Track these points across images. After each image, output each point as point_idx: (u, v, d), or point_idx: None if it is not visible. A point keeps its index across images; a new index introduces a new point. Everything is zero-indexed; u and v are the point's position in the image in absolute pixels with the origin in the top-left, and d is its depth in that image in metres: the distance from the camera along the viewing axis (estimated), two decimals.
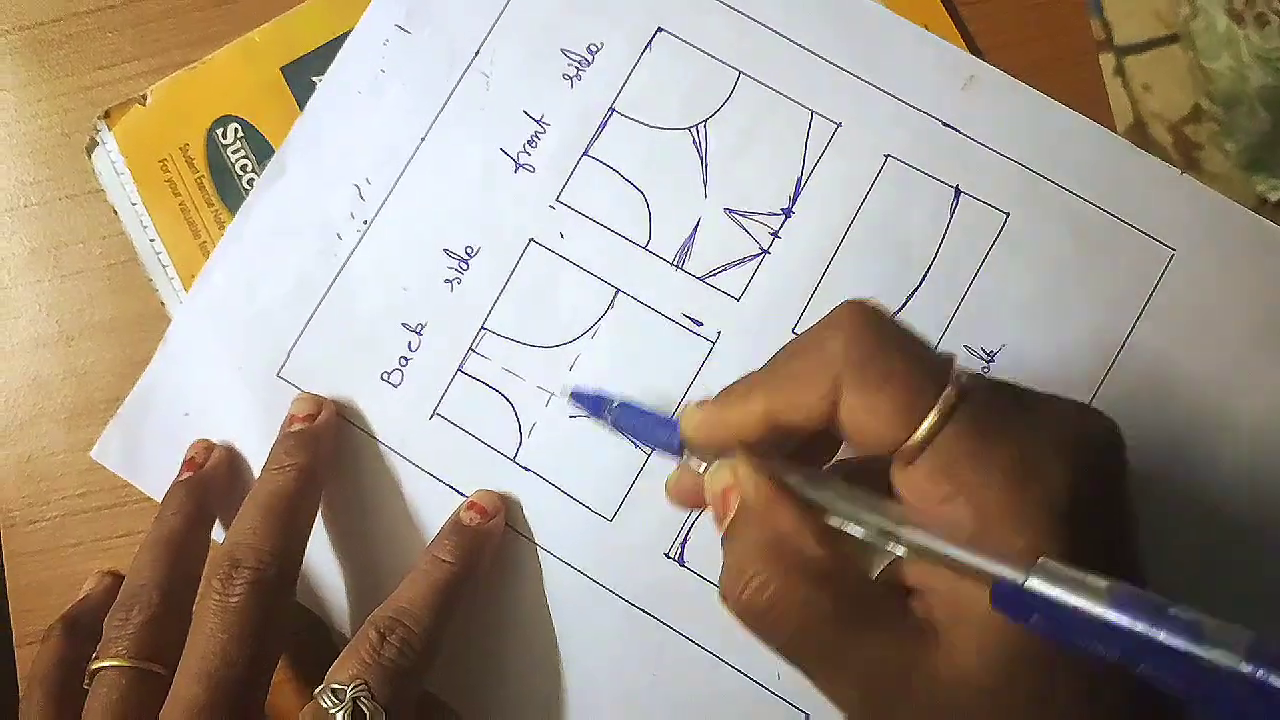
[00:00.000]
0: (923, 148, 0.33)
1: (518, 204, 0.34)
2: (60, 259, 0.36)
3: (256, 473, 0.32)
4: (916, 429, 0.21)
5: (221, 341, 0.34)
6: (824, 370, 0.22)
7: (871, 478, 0.22)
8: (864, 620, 0.21)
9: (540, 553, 0.32)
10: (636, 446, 0.32)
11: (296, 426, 0.32)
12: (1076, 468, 0.21)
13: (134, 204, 0.35)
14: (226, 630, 0.27)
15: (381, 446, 0.33)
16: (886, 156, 0.33)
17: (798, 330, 0.32)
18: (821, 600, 0.21)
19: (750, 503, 0.23)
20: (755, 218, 0.33)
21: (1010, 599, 0.19)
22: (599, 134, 0.34)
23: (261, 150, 0.35)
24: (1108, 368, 0.32)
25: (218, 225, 0.35)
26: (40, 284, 0.36)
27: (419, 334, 0.33)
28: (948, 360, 0.22)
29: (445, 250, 0.34)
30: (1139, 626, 0.17)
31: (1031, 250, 0.32)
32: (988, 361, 0.32)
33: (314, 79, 0.35)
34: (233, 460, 0.33)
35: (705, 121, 0.33)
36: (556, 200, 0.33)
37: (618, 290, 0.33)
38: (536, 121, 0.34)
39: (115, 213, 0.35)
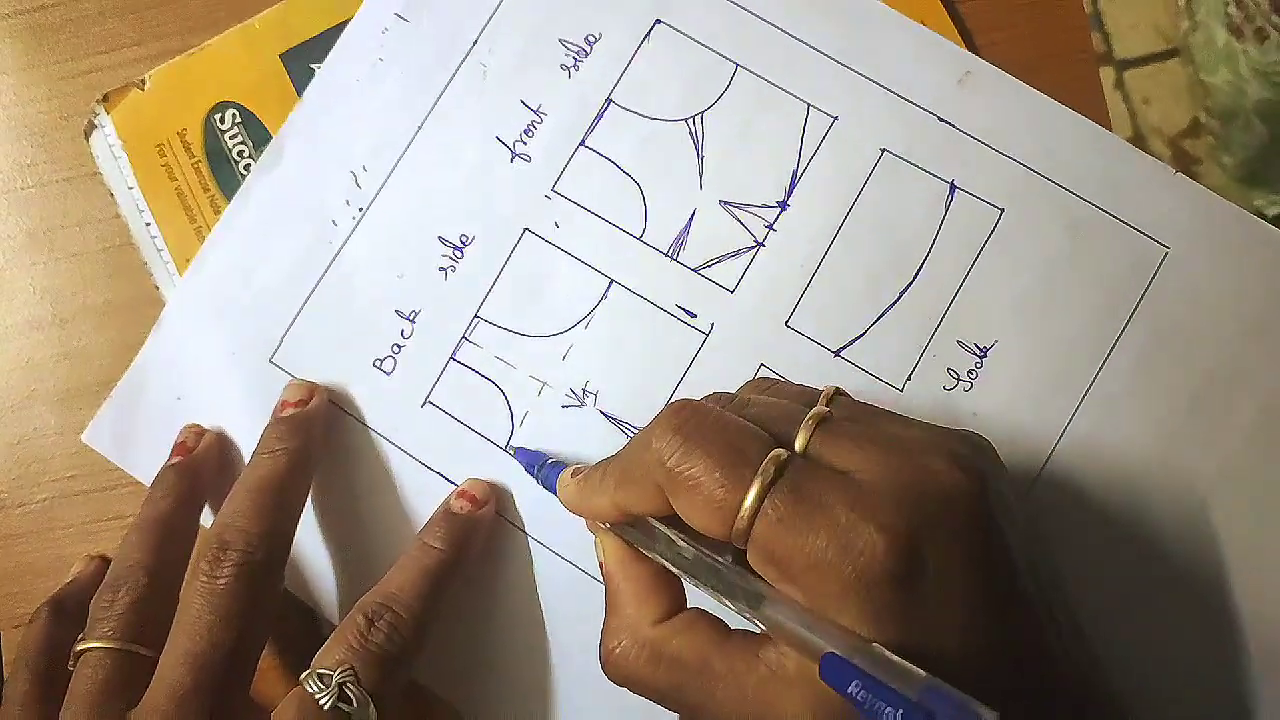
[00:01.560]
0: (918, 143, 0.33)
1: (513, 193, 0.34)
2: (56, 242, 0.36)
3: (247, 458, 0.32)
4: (735, 521, 0.22)
5: (215, 326, 0.34)
6: (649, 476, 0.23)
7: None
8: (712, 681, 0.23)
9: (530, 542, 0.32)
10: (627, 437, 0.32)
11: (288, 412, 0.32)
12: (899, 540, 0.21)
13: (131, 188, 0.35)
14: (213, 612, 0.27)
15: (373, 434, 0.33)
16: (882, 151, 0.33)
17: (791, 323, 0.32)
18: (665, 674, 0.24)
19: (609, 580, 0.26)
20: (750, 210, 0.33)
21: (834, 672, 0.20)
22: (596, 124, 0.34)
23: (259, 136, 0.35)
24: (1100, 364, 0.32)
25: (214, 210, 0.35)
26: (35, 266, 0.36)
27: (412, 321, 0.33)
28: (765, 442, 0.23)
29: (440, 238, 0.34)
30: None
31: (1025, 247, 0.32)
32: (980, 357, 0.32)
33: (312, 66, 0.35)
34: (223, 445, 0.33)
35: (702, 113, 0.33)
36: (552, 190, 0.34)
37: (612, 280, 0.33)
38: (533, 111, 0.34)
39: (112, 196, 0.35)
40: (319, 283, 0.34)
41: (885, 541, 0.21)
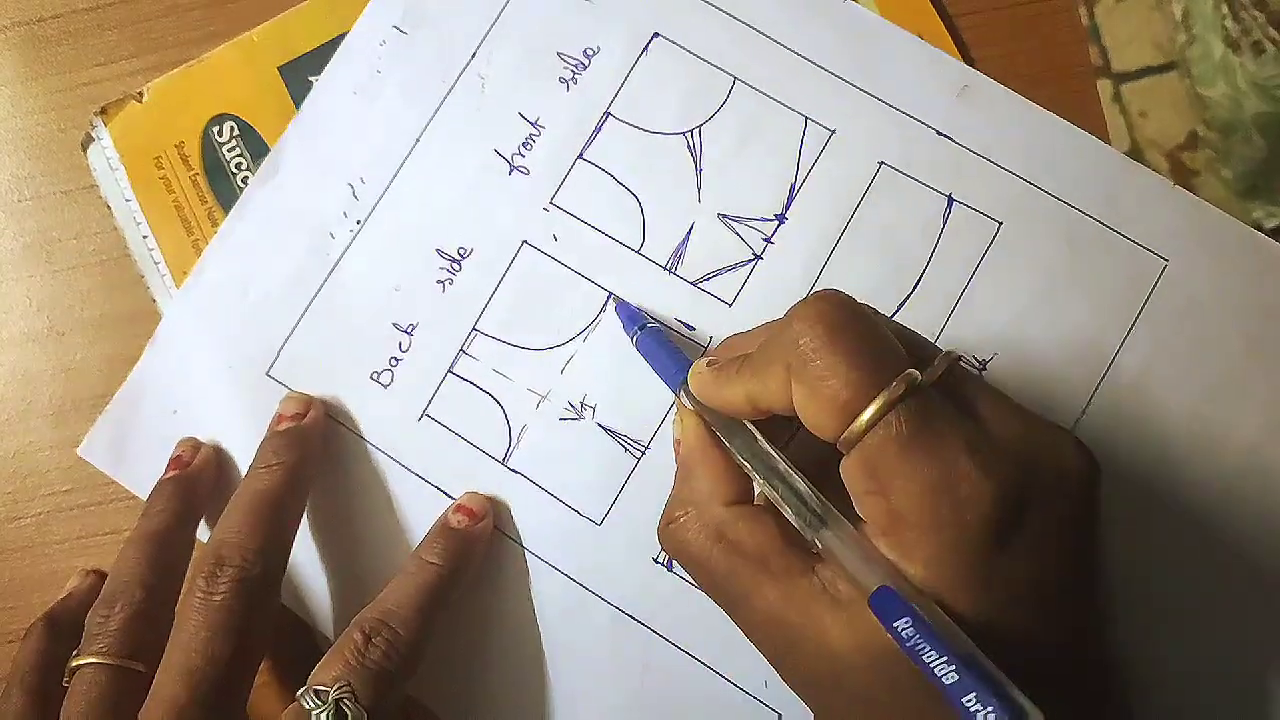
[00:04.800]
0: (916, 156, 0.33)
1: (511, 206, 0.34)
2: (53, 254, 0.36)
3: (244, 472, 0.32)
4: (851, 425, 0.21)
5: (212, 339, 0.34)
6: (781, 359, 0.23)
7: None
8: (763, 576, 0.23)
9: (528, 556, 0.32)
10: (626, 450, 0.32)
11: (284, 425, 0.32)
12: (1006, 496, 0.21)
13: (128, 200, 0.35)
14: (209, 628, 0.27)
15: (370, 447, 0.33)
16: (880, 164, 0.33)
17: None
18: (721, 556, 0.24)
19: (684, 457, 0.26)
20: (749, 223, 0.33)
21: (884, 605, 0.20)
22: (594, 137, 0.34)
23: (257, 149, 0.35)
24: (1100, 377, 0.31)
25: (211, 223, 0.35)
26: (32, 279, 0.36)
27: (410, 334, 0.33)
28: (903, 359, 0.22)
29: (438, 251, 0.33)
30: (971, 689, 0.19)
31: (1024, 259, 0.32)
32: (980, 369, 0.32)
33: (311, 79, 0.35)
34: (220, 459, 0.33)
35: (700, 126, 0.33)
36: (550, 203, 0.33)
37: (610, 293, 0.33)
38: (532, 124, 0.34)
39: (109, 209, 0.35)
40: (316, 295, 0.34)
41: (993, 490, 0.21)
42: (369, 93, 0.34)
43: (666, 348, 0.29)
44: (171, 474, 0.32)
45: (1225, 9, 0.32)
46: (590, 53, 0.34)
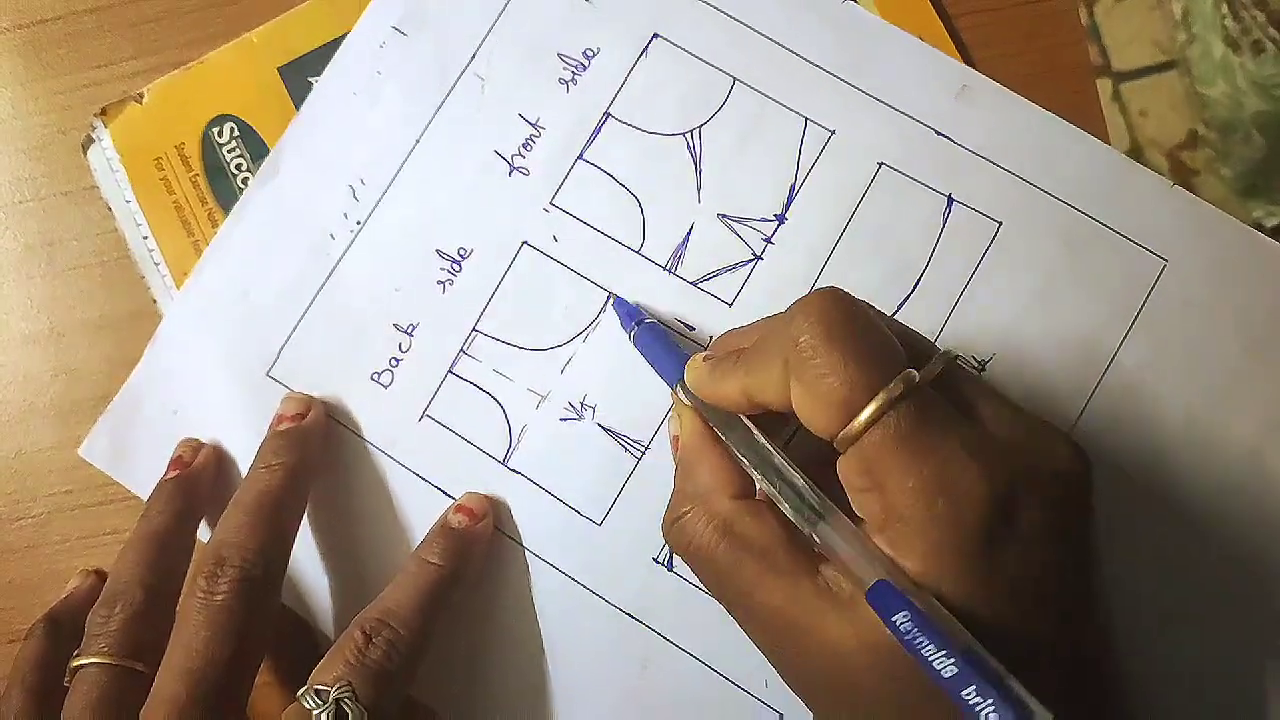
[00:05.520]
0: (916, 156, 0.33)
1: (512, 206, 0.34)
2: (53, 255, 0.36)
3: (244, 472, 0.32)
4: (849, 424, 0.22)
5: (212, 340, 0.34)
6: (780, 355, 0.23)
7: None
8: (768, 572, 0.23)
9: (528, 556, 0.32)
10: (626, 450, 0.32)
11: (284, 426, 0.32)
12: (999, 494, 0.21)
13: (128, 201, 0.35)
14: (210, 628, 0.27)
15: (370, 447, 0.33)
16: (880, 164, 0.33)
17: None
18: (727, 550, 0.24)
19: (684, 454, 0.26)
20: (748, 223, 0.33)
21: (883, 599, 0.20)
22: (594, 138, 0.34)
23: (257, 150, 0.35)
24: (1099, 377, 0.32)
25: (211, 224, 0.35)
26: (33, 280, 0.36)
27: (410, 335, 0.33)
28: (901, 358, 0.22)
29: (438, 251, 0.34)
30: (971, 682, 0.19)
31: (1023, 259, 0.32)
32: (979, 369, 0.32)
33: (310, 80, 0.35)
34: (220, 459, 0.33)
35: (700, 127, 0.33)
36: (550, 203, 0.34)
37: (610, 294, 0.33)
38: (532, 125, 0.34)
39: (109, 210, 0.35)
40: (316, 296, 0.34)
41: (987, 488, 0.21)
42: (369, 94, 0.34)
43: (664, 343, 0.30)
44: (172, 474, 0.32)
45: (1225, 9, 0.33)
46: (590, 53, 0.34)
